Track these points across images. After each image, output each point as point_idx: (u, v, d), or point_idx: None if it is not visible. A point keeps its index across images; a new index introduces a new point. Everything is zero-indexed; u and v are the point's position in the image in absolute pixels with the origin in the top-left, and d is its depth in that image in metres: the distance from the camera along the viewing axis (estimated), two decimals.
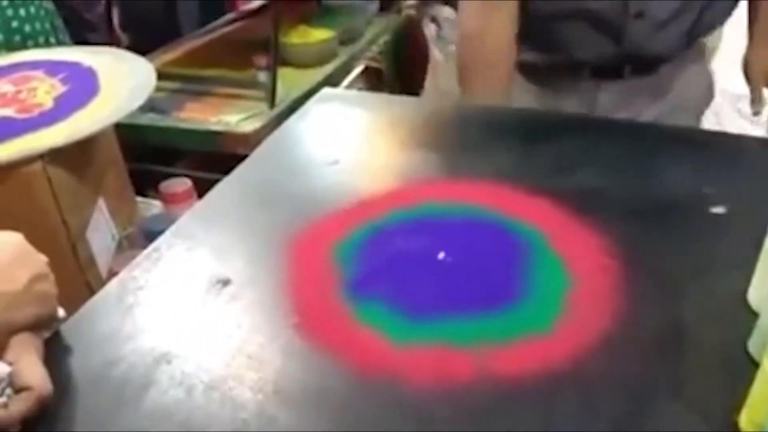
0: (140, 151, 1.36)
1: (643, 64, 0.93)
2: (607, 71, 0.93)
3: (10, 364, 0.45)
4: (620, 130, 0.74)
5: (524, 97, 0.97)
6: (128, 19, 1.88)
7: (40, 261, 0.51)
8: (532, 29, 0.92)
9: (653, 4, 0.87)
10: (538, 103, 0.97)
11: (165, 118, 1.57)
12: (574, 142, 0.74)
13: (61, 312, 0.53)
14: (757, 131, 1.22)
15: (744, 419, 0.43)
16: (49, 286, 0.51)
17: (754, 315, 0.49)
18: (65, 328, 0.54)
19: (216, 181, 0.74)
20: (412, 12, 2.14)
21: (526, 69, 0.98)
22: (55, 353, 0.51)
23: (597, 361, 0.49)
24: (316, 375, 0.49)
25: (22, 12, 1.24)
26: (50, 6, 1.33)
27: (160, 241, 0.64)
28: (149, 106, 1.48)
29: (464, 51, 0.93)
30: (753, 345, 0.48)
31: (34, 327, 0.48)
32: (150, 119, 1.55)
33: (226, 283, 0.57)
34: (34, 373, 0.45)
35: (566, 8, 0.88)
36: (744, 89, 1.01)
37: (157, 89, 1.00)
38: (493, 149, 0.74)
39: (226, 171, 0.76)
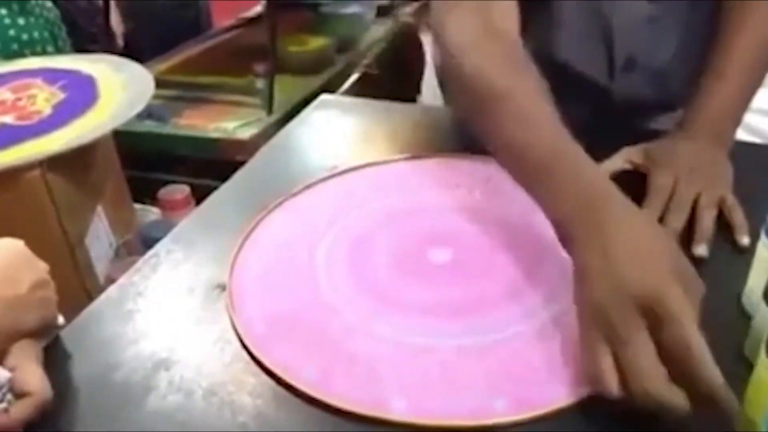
0: (138, 158, 1.37)
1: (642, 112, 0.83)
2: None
3: (10, 369, 0.46)
4: (631, 135, 0.73)
5: None
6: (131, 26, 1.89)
7: (41, 268, 0.51)
8: None
9: (643, 51, 0.78)
10: None
11: (163, 125, 1.58)
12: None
13: (60, 319, 0.53)
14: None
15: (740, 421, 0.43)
16: (50, 293, 0.51)
17: (750, 319, 0.50)
18: (65, 334, 0.54)
19: (214, 188, 0.74)
20: (409, 19, 2.16)
21: None
22: (55, 358, 0.51)
23: None
24: None
25: (20, 21, 1.24)
26: (51, 15, 1.33)
27: (158, 247, 0.65)
28: (147, 113, 1.50)
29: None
30: (749, 348, 0.49)
31: (34, 333, 0.49)
32: (148, 126, 1.55)
33: (224, 288, 0.58)
34: (35, 379, 0.46)
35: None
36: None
37: (156, 96, 1.01)
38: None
39: (224, 177, 0.76)
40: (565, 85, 0.66)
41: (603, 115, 0.81)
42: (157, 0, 1.95)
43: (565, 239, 0.51)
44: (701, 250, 0.59)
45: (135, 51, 1.80)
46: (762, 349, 0.41)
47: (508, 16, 0.65)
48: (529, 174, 0.55)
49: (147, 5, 1.94)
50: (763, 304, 0.47)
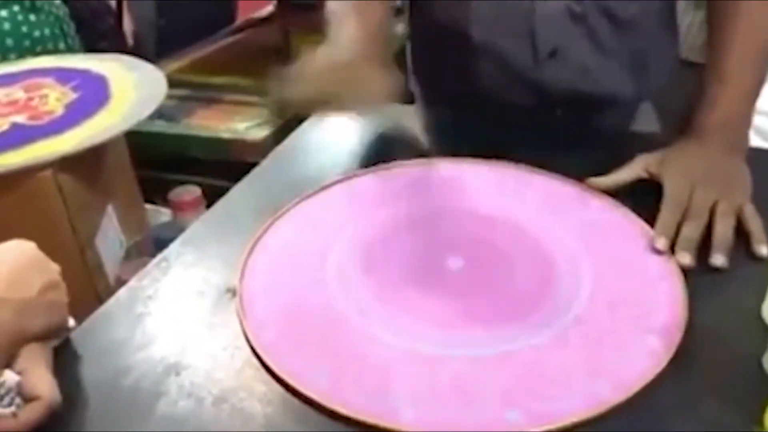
0: (150, 158, 1.37)
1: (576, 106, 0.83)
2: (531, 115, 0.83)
3: (19, 373, 0.45)
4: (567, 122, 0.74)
5: None
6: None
7: (52, 270, 0.51)
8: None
9: (566, 41, 0.79)
10: None
11: (175, 126, 1.58)
12: (582, 151, 0.74)
13: (71, 322, 0.53)
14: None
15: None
16: (61, 296, 0.51)
17: None
18: (75, 337, 0.54)
19: (225, 189, 0.74)
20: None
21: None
22: (64, 361, 0.51)
23: None
24: None
25: (32, 18, 1.25)
26: (61, 12, 1.34)
27: (169, 250, 0.64)
28: (159, 114, 1.49)
29: None
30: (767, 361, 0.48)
31: (44, 336, 0.48)
32: (160, 126, 1.56)
33: (235, 292, 0.57)
34: (43, 383, 0.45)
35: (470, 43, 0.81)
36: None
37: (167, 96, 1.00)
38: (507, 152, 0.73)
39: (236, 178, 0.76)
40: (489, 66, 0.82)
41: (547, 107, 0.84)
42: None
43: None
44: (719, 260, 0.58)
45: (165, 48, 1.80)
46: None
47: None
48: None
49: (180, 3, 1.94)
50: None
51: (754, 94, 0.70)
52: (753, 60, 0.70)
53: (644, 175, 0.68)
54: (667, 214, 0.61)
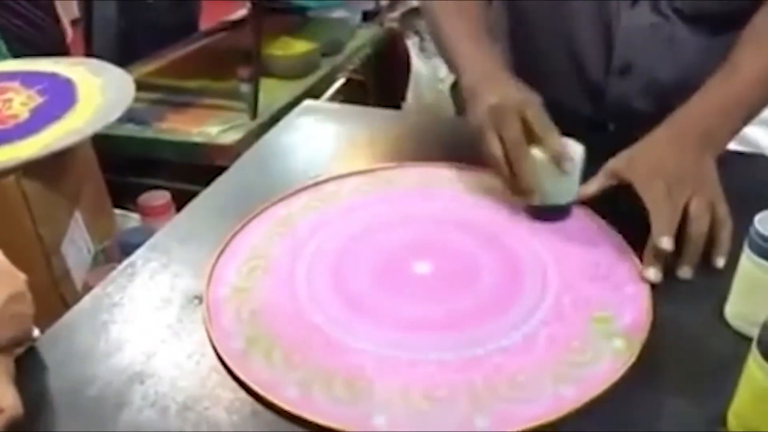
0: (119, 162, 1.35)
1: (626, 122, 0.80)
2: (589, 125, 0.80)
3: None
4: (616, 139, 0.73)
5: None
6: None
7: (18, 280, 0.49)
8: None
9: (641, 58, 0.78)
10: None
11: (145, 129, 1.56)
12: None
13: (35, 332, 0.52)
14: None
15: (731, 420, 0.43)
16: (26, 307, 0.50)
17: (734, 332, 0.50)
18: (39, 345, 0.53)
19: (196, 193, 0.73)
20: (395, 25, 2.15)
21: None
22: (28, 370, 0.50)
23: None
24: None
25: None
26: None
27: (135, 256, 0.63)
28: (129, 117, 1.47)
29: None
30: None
31: (6, 349, 0.47)
32: (130, 130, 1.53)
33: (201, 300, 0.56)
34: (5, 395, 0.44)
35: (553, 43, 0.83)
36: None
37: (138, 100, 0.99)
38: (476, 161, 0.73)
39: (207, 182, 0.75)
40: (562, 68, 0.82)
41: (596, 117, 0.83)
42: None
43: None
44: (687, 273, 0.57)
45: (127, 51, 1.77)
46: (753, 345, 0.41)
47: None
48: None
49: (142, 5, 1.91)
50: None
51: (751, 107, 0.68)
52: (762, 77, 0.68)
53: (613, 182, 0.66)
54: (660, 221, 0.58)
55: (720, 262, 0.58)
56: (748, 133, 0.72)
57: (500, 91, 0.67)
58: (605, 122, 0.84)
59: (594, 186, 0.66)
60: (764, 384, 0.40)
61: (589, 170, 0.66)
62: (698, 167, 0.63)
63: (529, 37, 0.85)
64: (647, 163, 0.64)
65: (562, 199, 0.65)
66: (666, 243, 0.57)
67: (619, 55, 0.79)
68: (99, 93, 0.94)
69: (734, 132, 0.68)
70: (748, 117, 0.69)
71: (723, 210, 0.60)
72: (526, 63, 0.86)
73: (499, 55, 0.76)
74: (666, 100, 0.77)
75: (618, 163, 0.66)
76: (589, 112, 0.84)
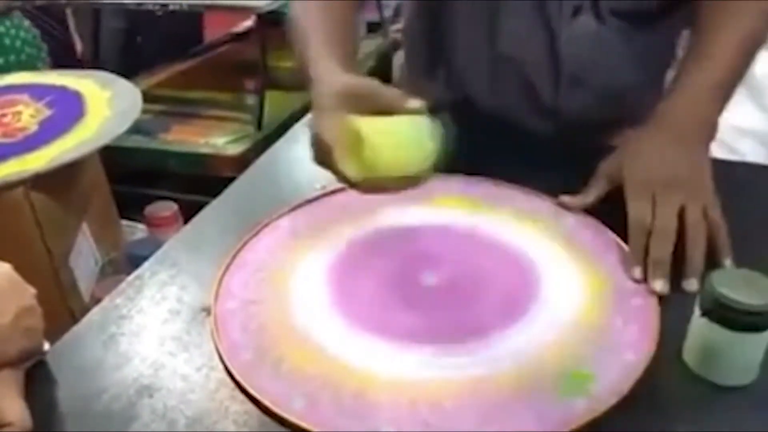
0: (126, 173, 1.36)
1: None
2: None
3: None
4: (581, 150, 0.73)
5: None
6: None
7: (28, 294, 0.50)
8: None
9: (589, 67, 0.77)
10: None
11: (152, 140, 1.57)
12: (569, 166, 0.73)
13: (46, 346, 0.52)
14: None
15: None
16: (36, 321, 0.50)
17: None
18: (48, 358, 0.53)
19: (203, 204, 0.74)
20: (398, 36, 2.16)
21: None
22: (37, 384, 0.50)
23: None
24: None
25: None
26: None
27: (143, 268, 0.63)
28: (136, 128, 1.48)
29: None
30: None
31: (17, 362, 0.48)
32: (136, 141, 1.55)
33: (209, 312, 0.57)
34: (14, 409, 0.45)
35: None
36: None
37: (144, 111, 1.00)
38: (482, 168, 0.73)
39: (213, 193, 0.75)
40: (509, 83, 0.78)
41: (552, 133, 0.81)
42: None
43: None
44: (694, 285, 0.57)
45: (133, 64, 1.79)
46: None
47: None
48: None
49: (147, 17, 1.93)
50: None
51: (729, 84, 0.67)
52: (735, 48, 0.67)
53: (609, 187, 0.65)
54: (634, 238, 0.59)
55: (726, 263, 0.58)
56: (731, 142, 0.70)
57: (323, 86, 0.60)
58: (562, 137, 0.81)
59: (592, 194, 0.66)
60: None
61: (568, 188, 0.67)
62: (690, 169, 0.62)
63: (469, 56, 0.81)
64: (638, 168, 0.63)
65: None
66: (637, 273, 0.58)
67: (567, 69, 0.78)
68: (107, 105, 0.95)
69: (721, 112, 0.68)
70: (731, 93, 0.69)
71: (716, 212, 0.60)
72: (467, 82, 0.83)
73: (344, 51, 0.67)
74: (620, 107, 0.80)
75: (611, 167, 0.66)
76: (545, 129, 0.81)
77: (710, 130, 0.66)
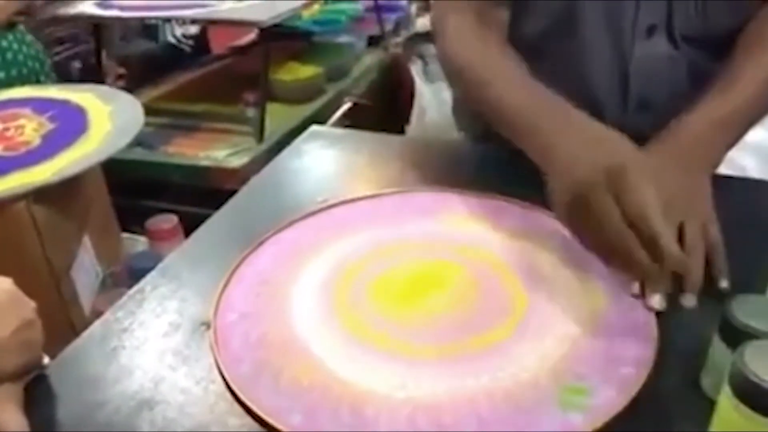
0: (127, 185, 1.37)
1: None
2: None
3: None
4: None
5: None
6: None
7: (28, 308, 0.50)
8: None
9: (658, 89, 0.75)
10: None
11: (153, 153, 1.58)
12: None
13: (45, 359, 0.52)
14: None
15: None
16: (36, 334, 0.50)
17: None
18: (49, 371, 0.53)
19: (204, 216, 0.74)
20: (399, 50, 2.17)
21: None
22: (38, 397, 0.50)
23: None
24: None
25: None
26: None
27: (144, 281, 0.64)
28: (137, 141, 1.49)
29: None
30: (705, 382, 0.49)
31: (16, 375, 0.48)
32: (138, 154, 1.55)
33: (209, 326, 0.57)
34: (14, 423, 0.45)
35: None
36: None
37: (146, 124, 1.01)
38: (482, 185, 0.74)
39: (214, 206, 0.76)
40: (575, 99, 0.73)
41: None
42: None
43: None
44: (692, 301, 0.56)
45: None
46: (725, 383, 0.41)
47: (498, 18, 0.75)
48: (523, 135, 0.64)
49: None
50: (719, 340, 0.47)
51: (744, 119, 0.66)
52: (759, 83, 0.67)
53: None
54: (633, 258, 0.55)
55: (723, 283, 0.58)
56: (730, 156, 0.68)
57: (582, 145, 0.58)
58: None
59: None
60: (734, 420, 0.40)
61: None
62: (690, 188, 0.61)
63: (539, 75, 0.78)
64: None
65: None
66: (635, 289, 0.57)
67: (635, 90, 0.77)
68: (109, 120, 0.96)
69: (731, 146, 0.67)
70: (747, 129, 0.68)
71: (714, 231, 0.59)
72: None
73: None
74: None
75: None
76: None
77: (712, 161, 0.65)
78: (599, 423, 0.46)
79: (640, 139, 0.76)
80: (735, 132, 0.67)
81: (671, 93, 0.77)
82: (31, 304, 0.51)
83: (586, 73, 0.78)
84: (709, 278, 0.58)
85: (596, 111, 0.76)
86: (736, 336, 0.45)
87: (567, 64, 0.78)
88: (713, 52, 0.75)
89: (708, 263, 0.59)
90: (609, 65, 0.77)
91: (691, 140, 0.64)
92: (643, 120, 0.76)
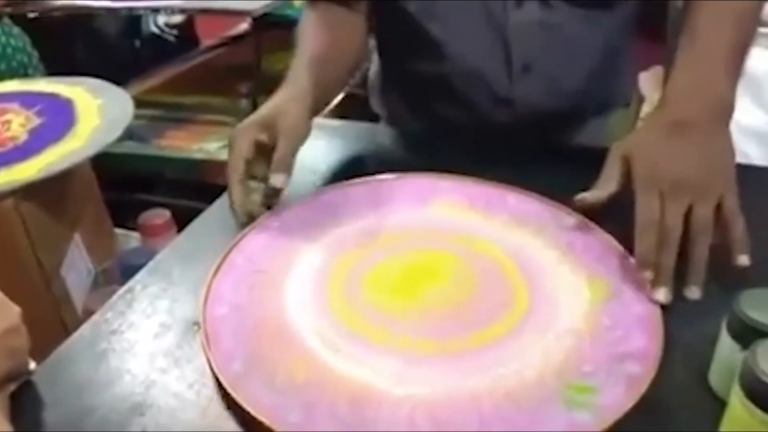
0: (119, 179, 1.35)
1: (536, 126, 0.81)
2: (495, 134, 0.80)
3: None
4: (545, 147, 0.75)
5: None
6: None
7: (13, 314, 0.48)
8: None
9: (538, 56, 0.79)
10: None
11: (145, 146, 1.56)
12: (573, 170, 0.69)
13: (31, 365, 0.50)
14: None
15: None
16: (21, 341, 0.49)
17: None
18: (37, 376, 0.52)
19: (197, 210, 0.72)
20: None
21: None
22: (25, 404, 0.49)
23: None
24: None
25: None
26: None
27: (134, 280, 0.62)
28: (129, 134, 1.47)
29: None
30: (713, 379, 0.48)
31: (1, 383, 0.46)
32: (129, 147, 1.53)
33: (200, 326, 0.55)
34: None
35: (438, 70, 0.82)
36: None
37: (137, 117, 0.99)
38: (482, 172, 0.72)
39: (207, 199, 0.74)
40: (464, 83, 0.81)
41: (523, 125, 0.82)
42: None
43: None
44: (695, 293, 0.55)
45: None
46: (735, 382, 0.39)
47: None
48: None
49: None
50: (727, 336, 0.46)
51: (732, 54, 0.63)
52: (727, 18, 0.64)
53: (626, 169, 0.60)
54: (641, 238, 0.56)
55: (743, 260, 0.55)
56: (738, 144, 0.64)
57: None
58: (518, 128, 0.82)
59: (606, 192, 0.61)
60: (746, 420, 0.39)
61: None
62: (702, 163, 0.57)
63: (421, 54, 0.83)
64: (645, 163, 0.59)
65: None
66: (649, 275, 0.55)
67: (517, 56, 0.79)
68: (97, 113, 0.94)
69: (734, 87, 0.62)
70: (740, 67, 0.64)
71: (731, 204, 0.56)
72: (422, 78, 0.85)
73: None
74: (578, 97, 0.82)
75: (623, 148, 0.61)
76: (502, 120, 0.82)
77: (725, 108, 0.61)
78: (609, 422, 0.45)
79: (532, 106, 0.82)
80: (733, 72, 0.63)
81: (551, 55, 0.79)
82: (16, 309, 0.49)
83: (466, 47, 0.80)
84: (715, 271, 0.56)
85: (483, 82, 0.81)
86: (744, 331, 0.44)
87: (443, 41, 0.80)
88: (588, 7, 0.77)
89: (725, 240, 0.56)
90: (488, 37, 0.78)
91: (692, 96, 0.60)
92: (530, 83, 0.80)
